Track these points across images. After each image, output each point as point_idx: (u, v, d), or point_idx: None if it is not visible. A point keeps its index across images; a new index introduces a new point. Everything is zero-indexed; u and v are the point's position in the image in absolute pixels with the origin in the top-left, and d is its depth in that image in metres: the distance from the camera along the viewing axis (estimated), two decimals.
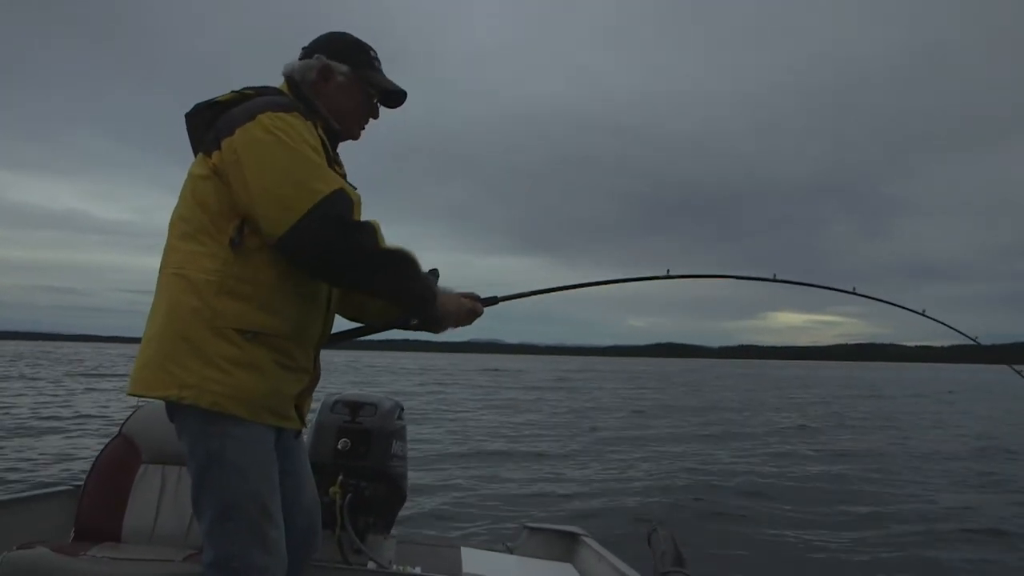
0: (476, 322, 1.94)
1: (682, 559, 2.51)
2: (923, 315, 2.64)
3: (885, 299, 2.66)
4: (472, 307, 1.91)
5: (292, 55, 1.86)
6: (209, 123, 1.68)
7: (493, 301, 2.02)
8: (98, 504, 2.44)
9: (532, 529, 3.57)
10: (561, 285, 2.19)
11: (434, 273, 1.86)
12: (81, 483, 2.58)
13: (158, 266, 1.69)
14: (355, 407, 2.73)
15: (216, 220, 1.63)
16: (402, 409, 2.88)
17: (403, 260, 1.66)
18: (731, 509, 7.54)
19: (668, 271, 2.28)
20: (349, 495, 2.59)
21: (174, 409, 1.64)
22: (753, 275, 2.47)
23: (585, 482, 9.03)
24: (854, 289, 2.51)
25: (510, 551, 3.42)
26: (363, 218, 1.70)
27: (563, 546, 3.42)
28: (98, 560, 2.07)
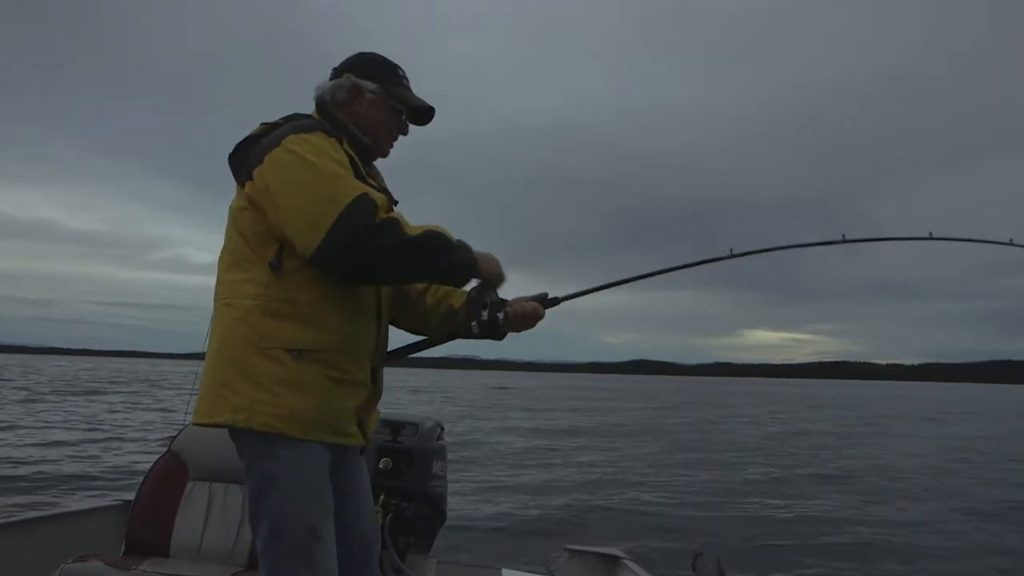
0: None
1: None
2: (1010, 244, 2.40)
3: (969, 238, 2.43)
4: (535, 309, 1.91)
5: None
6: (246, 157, 1.73)
7: (555, 302, 1.97)
8: (148, 519, 2.50)
9: (573, 552, 3.53)
10: (623, 279, 2.10)
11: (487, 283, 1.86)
12: (131, 498, 2.64)
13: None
14: (396, 427, 2.74)
15: (256, 247, 1.68)
16: (442, 429, 2.89)
17: (432, 237, 1.66)
18: (777, 535, 7.34)
19: (731, 250, 2.16)
20: (390, 515, 2.60)
21: (232, 433, 1.68)
22: (817, 240, 2.29)
23: (626, 504, 8.90)
24: (1010, 241, 2.34)
25: (551, 573, 3.38)
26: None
27: (604, 569, 3.37)
28: (148, 574, 2.11)
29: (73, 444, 11.94)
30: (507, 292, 1.90)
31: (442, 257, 1.68)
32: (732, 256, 2.17)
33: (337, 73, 1.89)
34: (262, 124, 1.78)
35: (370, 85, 1.86)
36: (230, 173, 1.79)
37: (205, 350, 1.75)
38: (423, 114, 1.95)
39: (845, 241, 2.25)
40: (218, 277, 1.75)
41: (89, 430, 14.47)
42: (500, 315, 1.83)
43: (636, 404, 38.51)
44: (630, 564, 3.25)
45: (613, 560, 3.38)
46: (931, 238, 2.37)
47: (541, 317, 1.93)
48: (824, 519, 8.28)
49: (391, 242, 1.59)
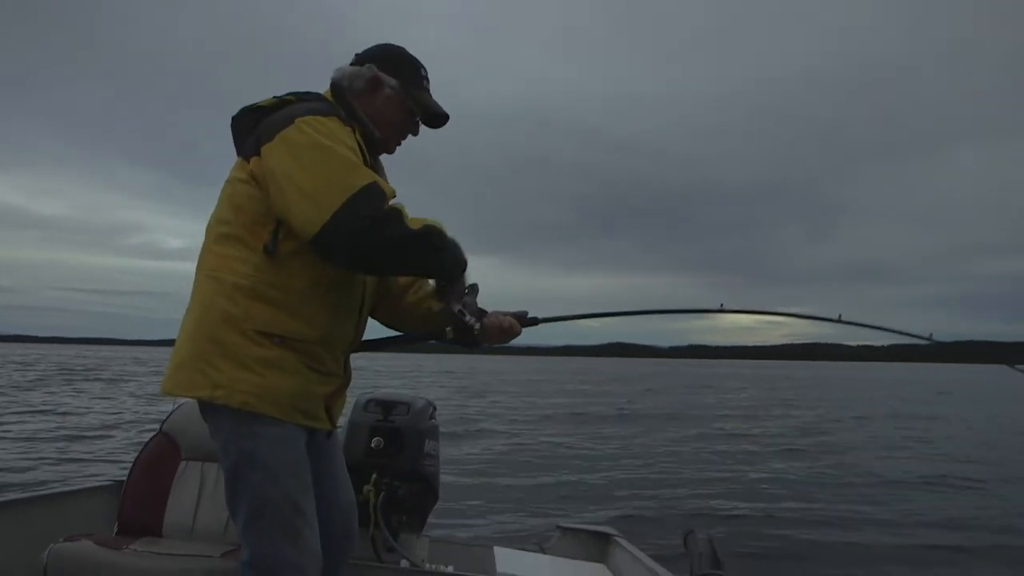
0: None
1: (719, 562, 2.48)
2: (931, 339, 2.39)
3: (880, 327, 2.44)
4: (511, 325, 1.91)
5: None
6: (251, 128, 1.70)
7: (533, 322, 2.00)
8: (140, 499, 2.49)
9: (565, 529, 3.56)
10: (602, 312, 2.19)
11: (473, 288, 1.86)
12: (123, 479, 2.64)
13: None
14: (388, 406, 2.74)
15: (251, 225, 1.65)
16: (434, 408, 2.89)
17: (434, 234, 1.65)
18: (770, 513, 7.42)
19: (722, 305, 2.21)
20: (382, 494, 2.60)
21: (206, 408, 1.67)
22: (815, 315, 2.36)
23: (618, 483, 8.97)
24: (930, 337, 2.35)
25: (543, 551, 3.41)
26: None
27: (596, 547, 3.40)
28: (140, 554, 2.11)
29: (42, 438, 11.73)
30: (486, 293, 1.89)
31: (439, 253, 1.67)
32: (722, 311, 2.20)
33: (359, 60, 1.85)
34: (274, 97, 1.73)
35: (391, 81, 1.83)
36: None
37: None
38: (437, 119, 1.94)
39: (842, 321, 2.25)
40: (205, 246, 1.71)
41: (58, 417, 14.27)
42: (477, 326, 1.81)
43: (631, 387, 38.71)
44: (622, 542, 3.27)
45: (605, 538, 3.41)
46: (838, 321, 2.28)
47: (517, 334, 1.94)
48: (815, 497, 8.36)
49: (395, 233, 1.57)
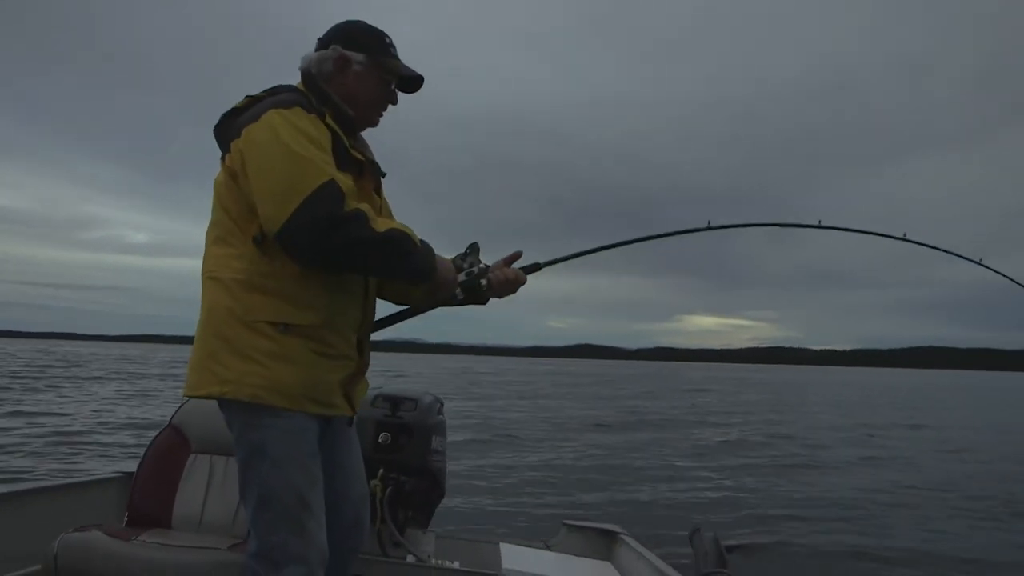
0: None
1: (725, 560, 2.48)
2: (980, 263, 2.58)
3: (939, 247, 2.59)
4: (516, 276, 1.91)
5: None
6: (229, 131, 1.72)
7: (536, 267, 1.98)
8: (149, 491, 2.51)
9: (571, 526, 3.56)
10: (601, 245, 2.14)
11: (473, 247, 1.88)
12: (133, 471, 2.66)
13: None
14: (395, 402, 2.75)
15: (239, 221, 1.68)
16: (442, 404, 2.90)
17: (398, 239, 1.65)
18: (776, 511, 7.41)
19: (709, 222, 2.23)
20: (389, 489, 2.61)
21: (221, 404, 1.69)
22: (797, 222, 2.40)
23: (625, 481, 8.97)
24: (904, 235, 2.47)
25: (549, 548, 3.41)
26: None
27: (602, 544, 3.40)
28: (148, 545, 2.13)
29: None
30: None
31: (404, 258, 1.67)
32: (710, 228, 2.22)
33: (323, 44, 1.84)
34: (246, 97, 1.76)
35: (358, 56, 1.82)
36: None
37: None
38: (412, 83, 1.92)
39: (821, 227, 2.35)
40: (206, 250, 1.75)
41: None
42: (483, 281, 1.84)
43: (611, 390, 38.65)
44: (628, 539, 3.27)
45: (611, 535, 3.41)
46: (904, 239, 2.46)
47: (523, 283, 1.94)
48: (821, 496, 8.34)
49: (355, 235, 1.58)
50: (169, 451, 2.59)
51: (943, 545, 6.40)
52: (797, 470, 10.39)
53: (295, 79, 1.85)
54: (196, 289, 1.76)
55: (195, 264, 1.80)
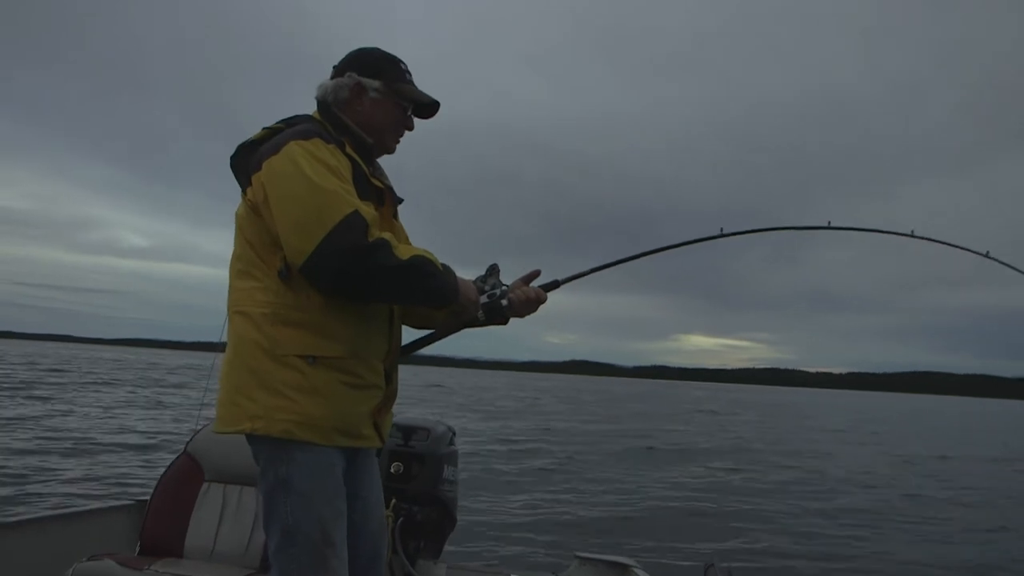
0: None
1: None
2: (987, 256, 2.58)
3: (946, 241, 2.62)
4: (536, 295, 1.92)
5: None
6: (247, 163, 1.74)
7: (555, 285, 2.00)
8: (162, 520, 2.52)
9: (583, 559, 3.52)
10: (618, 259, 2.17)
11: (493, 268, 1.90)
12: (145, 498, 2.67)
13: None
14: (408, 431, 2.76)
15: (263, 254, 1.69)
16: (454, 434, 2.90)
17: (420, 265, 1.66)
18: (791, 545, 7.28)
19: (721, 230, 2.27)
20: (401, 519, 2.61)
21: (250, 440, 1.69)
22: (808, 224, 2.43)
23: (637, 512, 8.86)
24: (912, 232, 2.50)
25: None
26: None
27: None
28: (161, 575, 2.13)
29: None
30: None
31: (428, 282, 1.68)
32: (723, 235, 2.26)
33: (338, 71, 1.86)
34: (264, 128, 1.78)
35: (374, 83, 1.83)
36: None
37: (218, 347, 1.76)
38: (428, 109, 1.93)
39: (831, 227, 2.39)
40: (230, 284, 1.77)
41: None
42: (504, 302, 1.86)
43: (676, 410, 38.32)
44: (640, 573, 3.23)
45: (623, 568, 3.37)
46: (912, 235, 2.50)
47: (543, 301, 1.94)
48: (837, 533, 8.20)
49: (381, 264, 1.59)
50: (183, 479, 2.60)
51: None
52: (817, 502, 10.22)
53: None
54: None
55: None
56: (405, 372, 2.02)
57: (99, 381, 28.89)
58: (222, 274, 1.83)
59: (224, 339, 1.78)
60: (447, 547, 2.91)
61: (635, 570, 3.29)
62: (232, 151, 1.80)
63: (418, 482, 2.67)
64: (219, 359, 1.78)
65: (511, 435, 18.26)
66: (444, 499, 2.72)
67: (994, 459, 18.95)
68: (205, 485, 2.59)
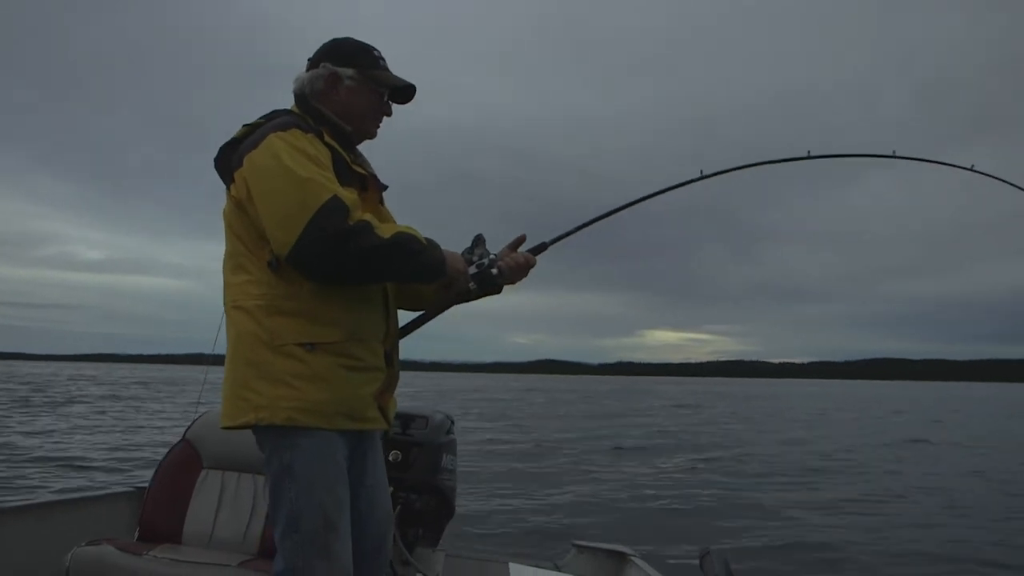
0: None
1: None
2: (971, 170, 2.59)
3: (929, 159, 2.63)
4: (526, 259, 1.92)
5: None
6: (230, 161, 1.75)
7: (542, 247, 2.00)
8: (161, 506, 2.53)
9: (581, 547, 3.54)
10: (602, 214, 2.16)
11: (479, 238, 1.90)
12: (144, 485, 2.68)
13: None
14: (406, 419, 2.76)
15: (252, 248, 1.71)
16: (452, 423, 2.90)
17: (405, 241, 1.67)
18: (788, 533, 7.32)
19: (701, 171, 2.27)
20: (399, 507, 2.61)
21: (256, 431, 1.70)
22: (787, 157, 2.42)
23: (635, 502, 8.90)
24: (894, 152, 2.50)
25: (558, 569, 3.40)
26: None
27: (611, 565, 3.38)
28: (159, 560, 2.14)
29: None
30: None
31: (414, 259, 1.69)
32: (703, 177, 2.27)
33: (313, 63, 1.88)
34: (244, 126, 1.79)
35: (348, 71, 1.84)
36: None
37: (214, 351, 1.77)
38: (404, 92, 1.94)
39: (810, 157, 2.39)
40: (224, 281, 1.78)
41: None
42: (494, 270, 1.85)
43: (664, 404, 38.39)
44: (637, 561, 3.25)
45: (620, 557, 3.39)
46: (894, 156, 2.51)
47: (533, 264, 1.95)
48: (834, 519, 8.24)
49: (364, 245, 1.60)
50: (181, 466, 2.61)
51: None
52: (811, 492, 10.27)
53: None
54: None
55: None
56: None
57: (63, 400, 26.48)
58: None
59: (216, 351, 1.80)
60: (445, 536, 2.93)
61: (632, 558, 3.31)
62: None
63: (416, 470, 2.68)
64: (210, 371, 1.76)
65: (496, 433, 18.31)
66: (442, 488, 2.72)
67: (986, 443, 19.03)
68: (204, 472, 2.60)
